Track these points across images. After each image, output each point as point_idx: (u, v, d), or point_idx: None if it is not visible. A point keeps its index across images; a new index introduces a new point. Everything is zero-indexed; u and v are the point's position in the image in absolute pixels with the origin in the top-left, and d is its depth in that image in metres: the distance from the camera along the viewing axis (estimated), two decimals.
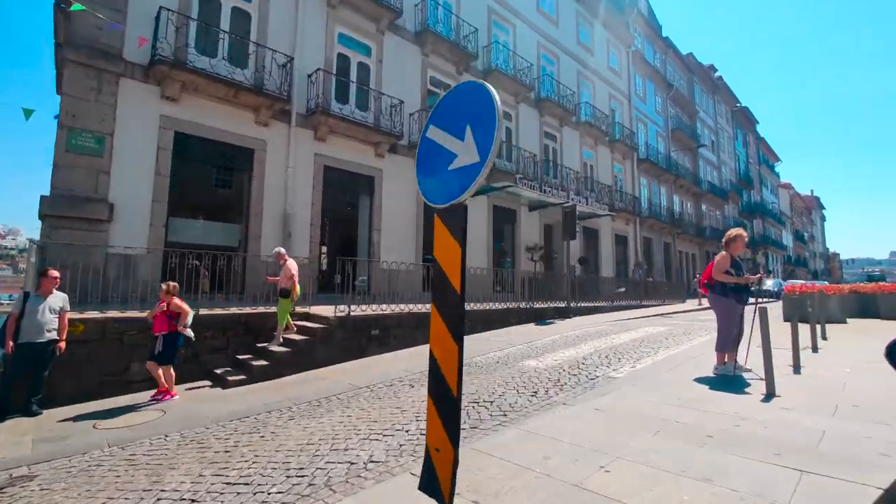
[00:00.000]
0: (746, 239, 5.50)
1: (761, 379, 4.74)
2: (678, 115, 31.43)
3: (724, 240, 5.53)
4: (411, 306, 9.05)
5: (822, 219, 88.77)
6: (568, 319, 12.12)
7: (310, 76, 10.90)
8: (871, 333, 8.23)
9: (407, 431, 3.83)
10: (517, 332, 9.66)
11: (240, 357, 7.02)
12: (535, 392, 4.79)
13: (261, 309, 8.00)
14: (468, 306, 10.80)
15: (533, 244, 16.79)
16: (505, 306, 11.11)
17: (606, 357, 6.56)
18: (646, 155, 25.84)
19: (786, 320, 9.73)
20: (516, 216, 16.80)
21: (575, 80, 20.71)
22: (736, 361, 5.26)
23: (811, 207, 77.19)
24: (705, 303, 19.73)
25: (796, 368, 5.41)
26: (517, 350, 7.46)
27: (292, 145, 10.55)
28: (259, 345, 7.23)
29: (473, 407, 4.37)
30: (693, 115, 33.83)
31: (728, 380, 4.98)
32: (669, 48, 30.99)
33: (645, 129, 26.75)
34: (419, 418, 4.12)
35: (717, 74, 40.47)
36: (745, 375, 5.16)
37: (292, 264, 7.04)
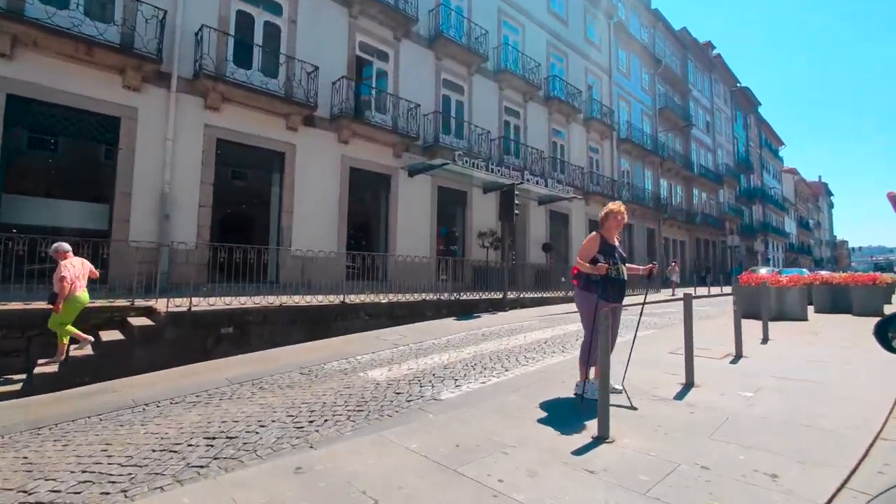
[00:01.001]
0: (623, 215, 4.12)
1: (630, 408, 3.43)
2: (668, 93, 29.55)
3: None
4: (286, 298, 7.75)
5: (830, 206, 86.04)
6: (502, 313, 10.78)
7: (197, 34, 9.49)
8: (824, 334, 6.79)
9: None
10: (422, 329, 8.34)
11: (41, 363, 5.77)
12: (316, 420, 3.48)
13: (99, 303, 6.74)
14: (395, 297, 9.49)
15: (487, 229, 15.38)
16: (422, 298, 9.78)
17: (473, 366, 5.23)
18: (627, 135, 24.15)
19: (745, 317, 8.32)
20: (467, 198, 15.37)
21: (544, 52, 19.04)
22: (589, 380, 3.92)
23: (818, 194, 74.59)
24: (680, 293, 18.28)
25: (685, 389, 4.05)
26: (390, 354, 6.15)
27: (173, 114, 9.18)
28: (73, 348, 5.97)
29: (193, 447, 3.07)
30: (685, 93, 31.89)
31: (587, 406, 3.64)
32: (659, 21, 29.00)
33: (628, 108, 25.00)
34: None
35: (714, 52, 38.29)
36: (614, 399, 3.82)
37: (69, 264, 5.55)
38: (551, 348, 6.29)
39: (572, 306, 12.41)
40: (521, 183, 14.79)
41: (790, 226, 56.55)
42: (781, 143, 56.12)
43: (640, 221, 25.07)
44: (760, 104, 48.16)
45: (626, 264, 4.17)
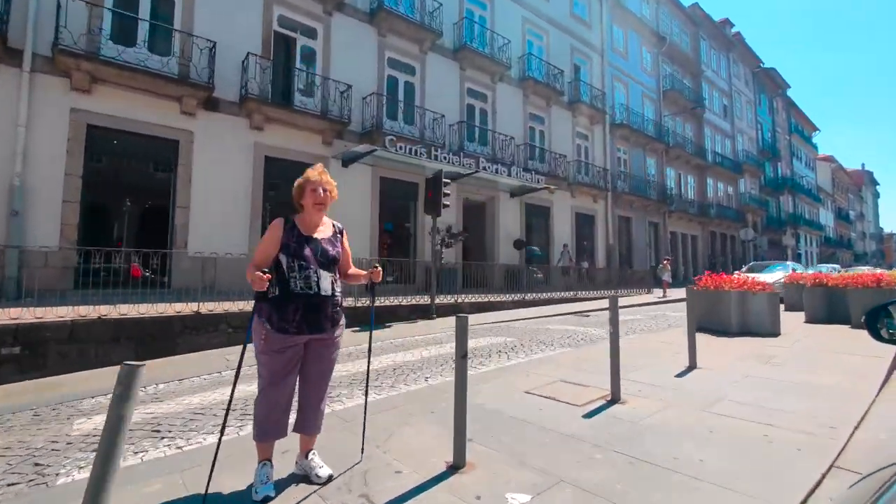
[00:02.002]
0: (326, 186, 2.51)
1: None
2: (675, 74, 27.02)
3: None
4: (111, 308, 6.38)
5: (875, 196, 79.60)
6: (426, 322, 9.17)
7: (59, 5, 8.29)
8: (784, 362, 4.86)
9: None
10: None
11: None
12: None
13: None
14: None
15: (446, 225, 13.76)
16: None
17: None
18: (625, 119, 21.94)
19: (704, 330, 6.46)
20: (419, 191, 13.77)
21: (518, 29, 17.21)
22: (270, 462, 2.32)
23: (860, 183, 68.91)
24: (672, 293, 16.13)
25: (448, 471, 2.40)
26: (191, 384, 4.69)
27: (25, 96, 8.01)
28: None
29: None
30: (697, 74, 29.20)
31: None
32: None
33: (625, 90, 22.78)
34: None
35: (732, 30, 35.20)
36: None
37: None
38: (404, 375, 4.68)
39: (540, 310, 10.70)
40: (476, 172, 13.13)
41: (826, 218, 52.14)
42: (815, 129, 51.80)
43: (641, 214, 22.81)
44: (789, 86, 44.38)
45: (353, 270, 2.58)
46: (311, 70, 11.77)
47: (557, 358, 5.38)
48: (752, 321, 6.23)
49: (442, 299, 10.57)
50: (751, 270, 13.36)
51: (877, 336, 1.41)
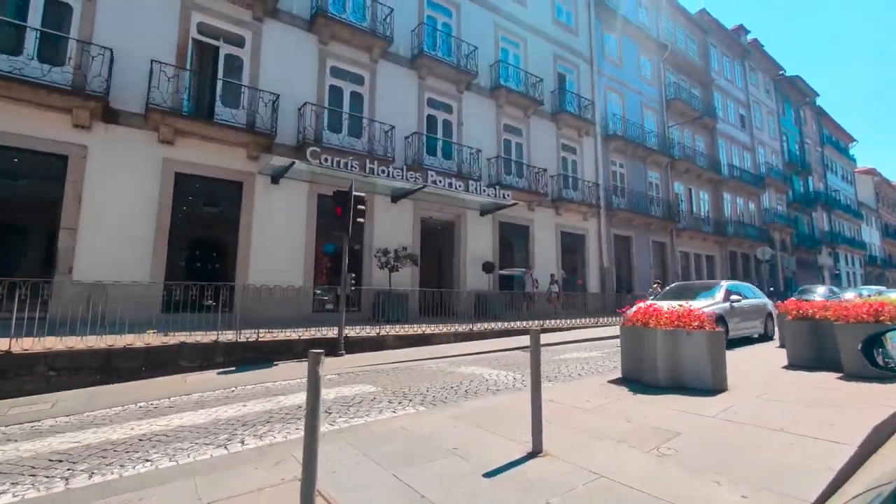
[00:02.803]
0: None
1: None
2: (681, 83, 25.23)
3: None
4: None
5: None
6: (332, 359, 7.72)
7: None
8: (669, 451, 3.10)
9: None
10: (121, 392, 5.56)
11: None
12: None
13: None
14: (154, 341, 6.83)
15: (397, 246, 12.44)
16: (183, 340, 6.95)
17: None
18: (622, 131, 20.26)
19: (633, 377, 4.77)
20: (368, 209, 12.49)
21: (489, 36, 16.05)
22: None
23: None
24: None
25: None
26: None
27: None
28: None
29: None
30: (708, 83, 27.26)
31: None
32: (664, 0, 25.00)
33: (621, 100, 21.15)
34: None
35: (748, 37, 33.15)
36: None
37: None
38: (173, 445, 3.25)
39: (458, 347, 8.80)
40: (424, 187, 11.80)
41: (871, 235, 47.78)
42: (852, 140, 48.15)
43: (643, 233, 20.77)
44: (818, 95, 41.48)
45: None
46: (237, 80, 10.86)
47: (381, 426, 3.85)
48: (687, 371, 4.48)
49: (367, 331, 9.13)
50: (677, 296, 8.70)
51: (873, 364, 1.45)
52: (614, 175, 20.12)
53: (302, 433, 3.06)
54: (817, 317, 5.80)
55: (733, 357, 6.98)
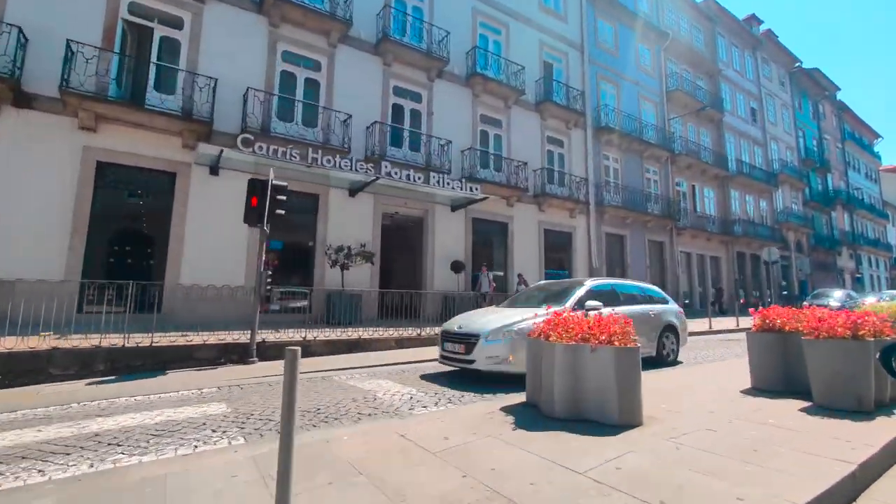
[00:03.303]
0: None
1: None
2: (685, 74, 23.81)
3: None
4: None
5: None
6: (241, 367, 6.85)
7: None
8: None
9: None
10: None
11: None
12: None
13: None
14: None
15: (356, 243, 11.56)
16: (52, 345, 6.14)
17: None
18: (616, 123, 19.04)
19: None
20: (320, 203, 11.65)
21: (465, 22, 15.06)
22: None
23: None
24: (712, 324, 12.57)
25: None
26: None
27: None
28: None
29: None
30: (714, 74, 25.76)
31: None
32: None
33: (615, 90, 19.90)
34: None
35: (761, 28, 31.42)
36: None
37: None
38: None
39: (393, 355, 7.63)
40: (377, 179, 10.87)
41: None
42: (877, 136, 45.61)
43: (639, 232, 19.49)
44: (839, 89, 39.33)
45: None
46: (174, 64, 10.11)
47: (134, 473, 2.92)
48: (589, 399, 3.44)
49: (290, 335, 8.25)
50: (529, 299, 6.81)
51: (892, 373, 1.40)
52: (607, 170, 18.90)
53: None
54: (787, 329, 4.68)
55: (690, 377, 5.85)
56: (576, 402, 3.52)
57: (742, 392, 4.69)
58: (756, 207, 27.18)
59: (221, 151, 9.15)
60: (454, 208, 13.74)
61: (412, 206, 12.99)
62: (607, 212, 18.04)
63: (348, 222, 11.89)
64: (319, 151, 10.30)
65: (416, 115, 13.67)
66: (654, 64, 22.12)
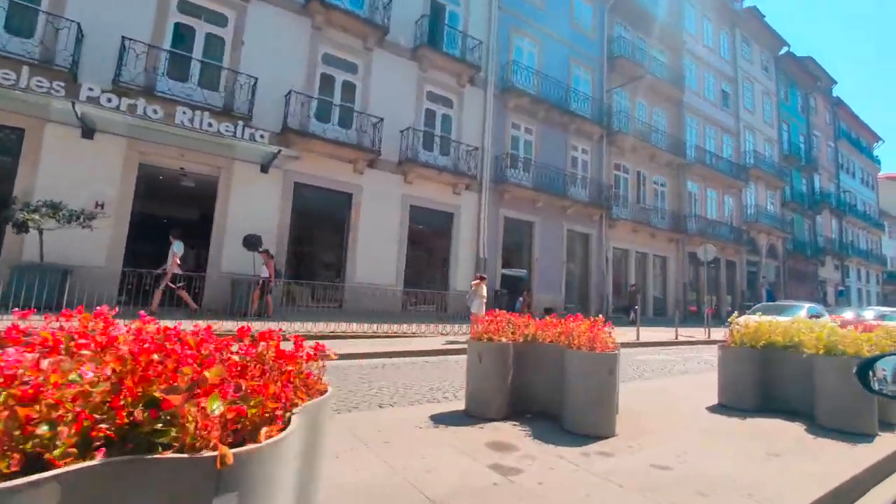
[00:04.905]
0: None
1: None
2: (636, 40, 20.37)
3: None
4: None
5: None
6: None
7: None
8: None
9: None
10: None
11: None
12: None
13: None
14: None
15: (95, 199, 8.44)
16: None
17: None
18: (533, 87, 15.74)
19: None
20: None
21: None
22: None
23: None
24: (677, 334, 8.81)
25: None
26: None
27: None
28: None
29: None
30: (679, 47, 22.28)
31: None
32: None
33: (536, 47, 16.57)
34: None
35: (744, 3, 27.83)
36: None
37: None
38: None
39: None
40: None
41: (893, 248, 41.40)
42: (877, 139, 41.73)
43: (555, 219, 16.17)
44: (835, 82, 35.66)
45: None
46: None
47: None
48: None
49: None
50: None
51: (869, 389, 1.38)
52: (515, 142, 15.59)
53: None
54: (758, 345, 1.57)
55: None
56: None
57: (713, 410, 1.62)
58: (720, 203, 23.75)
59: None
60: (264, 168, 10.54)
61: (197, 159, 9.78)
62: (510, 191, 14.75)
63: (78, 171, 8.72)
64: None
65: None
66: (595, 24, 18.71)
